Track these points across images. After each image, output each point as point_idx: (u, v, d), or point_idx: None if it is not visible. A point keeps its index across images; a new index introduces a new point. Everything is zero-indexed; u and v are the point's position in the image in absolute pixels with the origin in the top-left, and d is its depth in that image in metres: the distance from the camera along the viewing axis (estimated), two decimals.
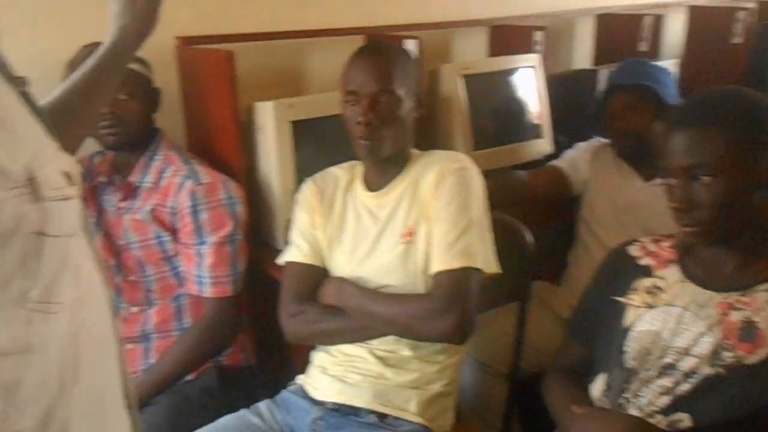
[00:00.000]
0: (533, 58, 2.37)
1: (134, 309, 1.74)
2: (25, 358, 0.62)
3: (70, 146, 0.94)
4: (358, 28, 2.26)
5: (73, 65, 1.66)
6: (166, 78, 1.89)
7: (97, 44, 1.65)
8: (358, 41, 2.21)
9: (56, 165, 0.65)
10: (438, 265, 1.40)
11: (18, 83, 0.68)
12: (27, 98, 0.69)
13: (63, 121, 0.97)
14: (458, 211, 1.41)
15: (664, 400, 1.19)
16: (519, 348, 1.70)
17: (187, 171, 1.69)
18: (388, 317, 1.42)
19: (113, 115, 1.63)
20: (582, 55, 3.08)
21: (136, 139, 1.70)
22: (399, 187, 1.51)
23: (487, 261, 1.43)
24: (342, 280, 1.50)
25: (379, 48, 1.51)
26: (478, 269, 1.40)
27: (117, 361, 0.78)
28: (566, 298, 2.02)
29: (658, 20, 2.76)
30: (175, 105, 1.95)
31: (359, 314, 1.45)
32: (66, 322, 0.66)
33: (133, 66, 1.65)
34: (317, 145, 1.88)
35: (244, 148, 1.85)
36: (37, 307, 0.62)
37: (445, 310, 1.36)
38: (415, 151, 1.55)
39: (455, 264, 1.38)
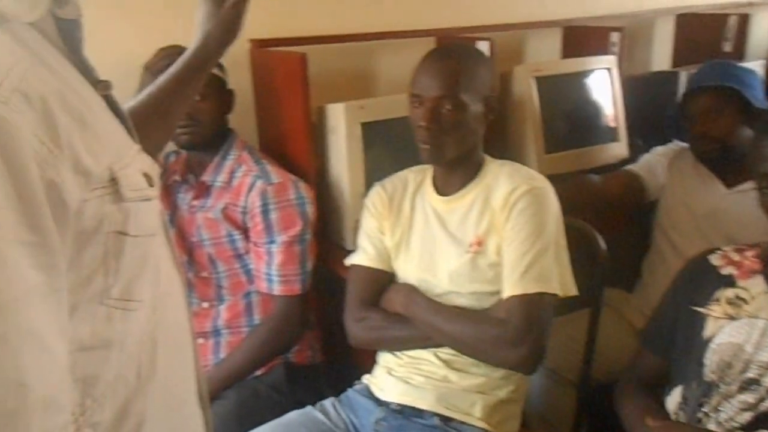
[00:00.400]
0: (609, 60, 2.31)
1: (205, 304, 1.78)
2: (104, 354, 0.63)
3: (153, 149, 0.96)
4: (429, 30, 2.26)
5: (149, 68, 1.72)
6: (240, 79, 1.93)
7: (173, 47, 1.72)
8: (429, 43, 2.21)
9: (137, 166, 0.66)
10: (511, 289, 1.38)
11: (102, 87, 0.69)
12: (110, 102, 0.71)
13: (147, 124, 1.00)
14: (533, 233, 1.38)
15: (746, 417, 1.13)
16: (590, 356, 1.65)
17: (258, 171, 1.72)
18: (457, 336, 1.41)
19: (188, 116, 1.67)
20: (661, 56, 2.98)
21: (209, 139, 1.73)
22: (470, 194, 1.49)
23: (564, 284, 1.40)
24: (411, 290, 1.49)
25: (448, 52, 1.49)
26: (553, 294, 1.37)
27: (192, 357, 0.79)
28: (640, 306, 1.96)
29: (744, 20, 2.65)
30: (247, 106, 1.99)
31: (426, 327, 1.44)
32: (145, 319, 0.67)
33: (225, 80, 1.72)
34: (387, 146, 1.88)
35: (314, 149, 1.87)
36: (117, 304, 0.63)
37: (518, 339, 1.33)
38: (488, 158, 1.53)
39: (529, 289, 1.36)
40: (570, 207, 1.50)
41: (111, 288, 0.62)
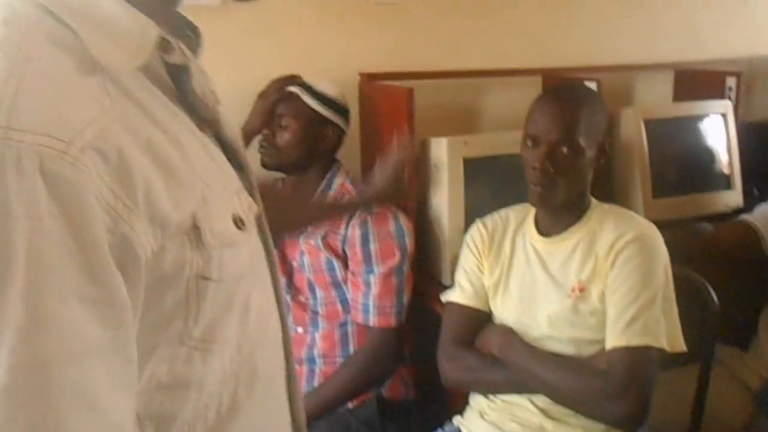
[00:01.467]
0: (724, 105, 2.22)
1: (299, 330, 1.80)
2: (182, 393, 0.61)
3: None
4: (536, 69, 2.24)
5: (264, 96, 1.79)
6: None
7: (288, 77, 1.78)
8: (536, 82, 2.19)
9: (228, 209, 0.65)
10: (615, 340, 1.32)
11: (210, 126, 0.70)
12: (219, 137, 0.70)
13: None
14: (639, 282, 1.33)
15: None
16: (698, 417, 1.56)
17: None
18: (555, 385, 1.36)
19: (267, 138, 1.75)
20: None
21: (292, 164, 1.77)
22: (574, 237, 1.45)
23: (672, 338, 1.33)
24: (508, 332, 1.46)
25: (567, 93, 1.47)
26: (660, 348, 1.31)
27: (284, 390, 0.76)
28: (755, 366, 1.84)
29: None
30: (354, 136, 2.02)
31: (522, 372, 1.40)
32: (228, 359, 0.65)
33: (311, 101, 1.75)
34: (489, 183, 1.86)
35: (416, 182, 1.88)
36: (198, 345, 0.61)
37: (620, 394, 1.28)
38: (593, 200, 1.49)
39: (634, 342, 1.30)
40: (679, 256, 1.45)
41: (192, 330, 0.60)
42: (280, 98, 1.77)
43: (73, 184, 0.48)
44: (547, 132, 1.39)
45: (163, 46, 0.61)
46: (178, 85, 0.66)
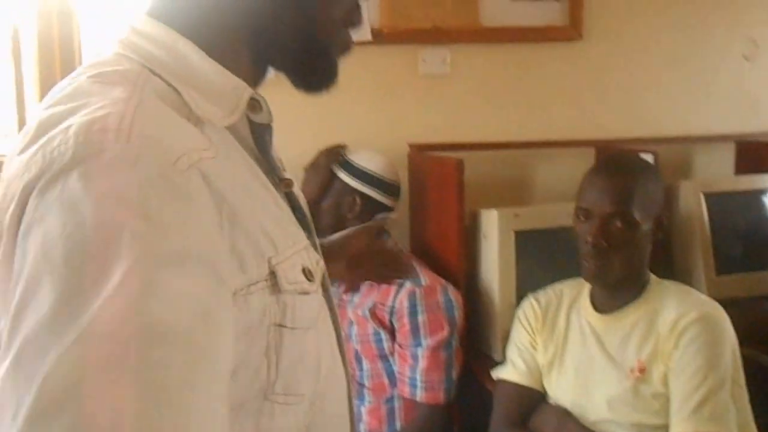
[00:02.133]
0: None
1: None
2: None
3: None
4: (589, 141, 2.22)
5: (313, 168, 1.80)
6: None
7: (334, 147, 1.80)
8: (588, 154, 2.16)
9: (299, 262, 0.67)
10: (681, 426, 1.25)
11: (284, 185, 0.73)
12: (291, 198, 0.74)
13: None
14: (705, 365, 1.27)
15: None
16: None
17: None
18: None
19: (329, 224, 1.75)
20: None
21: (323, 230, 1.77)
22: (633, 315, 1.39)
23: (742, 426, 1.26)
24: (564, 414, 1.39)
25: (620, 165, 1.44)
26: None
27: None
28: None
29: None
30: (402, 206, 2.02)
31: None
32: (302, 414, 0.67)
33: (352, 181, 1.77)
34: (540, 257, 1.83)
35: (466, 253, 1.85)
36: (279, 399, 0.63)
37: None
38: (653, 276, 1.44)
39: (702, 429, 1.23)
40: (748, 338, 1.37)
41: (274, 383, 0.63)
42: (333, 167, 1.79)
43: (182, 188, 0.53)
44: (599, 205, 1.36)
45: (252, 105, 0.67)
46: (258, 143, 0.70)
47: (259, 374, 0.61)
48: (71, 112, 0.54)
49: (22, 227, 0.51)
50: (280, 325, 0.63)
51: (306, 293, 0.66)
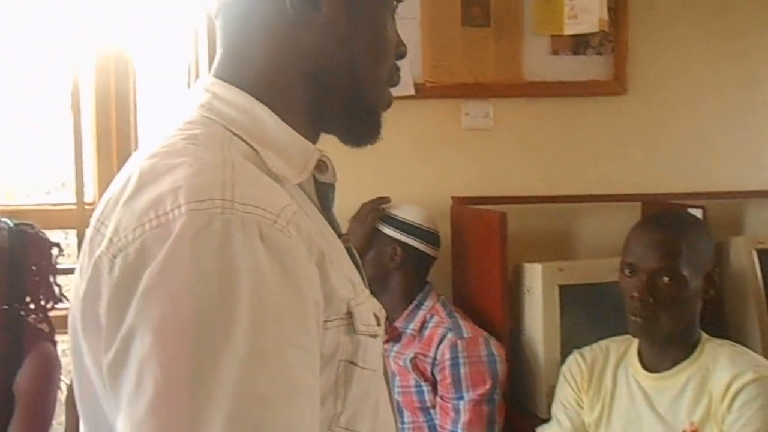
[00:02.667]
0: None
1: None
2: None
3: None
4: (635, 195, 2.18)
5: (356, 220, 1.82)
6: (439, 231, 1.97)
7: (377, 200, 1.81)
8: (635, 208, 2.13)
9: (369, 306, 0.72)
10: None
11: (344, 240, 0.78)
12: (350, 252, 0.78)
13: None
14: (763, 430, 1.24)
15: None
16: None
17: (450, 323, 1.72)
18: None
19: (381, 282, 1.76)
20: None
21: (379, 291, 1.76)
22: (684, 374, 1.35)
23: None
24: None
25: (668, 220, 1.43)
26: None
27: None
28: None
29: None
30: (445, 259, 2.01)
31: None
32: None
33: (393, 232, 1.78)
34: (586, 312, 1.82)
35: (509, 307, 1.83)
36: None
37: None
38: (704, 335, 1.40)
39: None
40: None
41: (340, 415, 0.66)
42: (376, 219, 1.81)
43: (286, 246, 0.59)
44: (645, 260, 1.35)
45: (319, 166, 0.73)
46: (322, 201, 0.76)
47: (327, 404, 0.65)
48: (171, 169, 0.61)
49: (143, 285, 0.56)
50: (352, 363, 0.67)
51: (375, 336, 0.71)
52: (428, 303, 1.78)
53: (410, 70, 2.02)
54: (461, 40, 2.07)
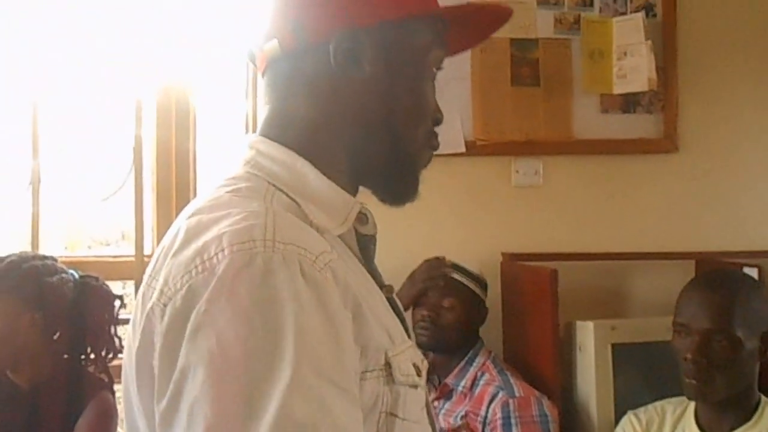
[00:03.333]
0: None
1: None
2: None
3: None
4: (688, 253, 2.15)
5: (413, 277, 1.84)
6: (490, 289, 1.97)
7: (436, 260, 1.83)
8: (688, 266, 2.10)
9: (409, 357, 0.72)
10: None
11: (386, 290, 0.79)
12: (392, 302, 0.79)
13: None
14: None
15: None
16: None
17: (501, 382, 1.71)
18: None
19: (429, 318, 1.76)
20: None
21: (450, 344, 1.78)
22: None
23: None
24: None
25: (720, 279, 1.41)
26: None
27: None
28: None
29: None
30: (495, 315, 2.01)
31: None
32: None
33: (466, 281, 1.79)
34: (640, 372, 1.80)
35: (560, 366, 1.81)
36: None
37: None
38: (764, 398, 1.37)
39: None
40: None
41: None
42: (431, 282, 1.82)
43: (324, 285, 0.61)
44: (698, 320, 1.33)
45: (360, 218, 0.75)
46: (363, 252, 0.77)
47: None
48: (216, 221, 0.64)
49: (191, 327, 0.59)
50: (392, 414, 0.67)
51: (415, 387, 0.71)
52: (479, 360, 1.78)
53: (461, 128, 2.06)
54: (511, 98, 2.12)
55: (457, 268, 1.83)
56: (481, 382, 1.73)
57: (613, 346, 1.78)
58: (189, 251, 0.62)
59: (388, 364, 0.67)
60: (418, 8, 0.77)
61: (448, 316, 1.77)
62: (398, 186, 0.79)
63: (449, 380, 1.77)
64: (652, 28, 2.14)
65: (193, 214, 0.68)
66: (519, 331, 1.99)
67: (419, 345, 1.78)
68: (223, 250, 0.60)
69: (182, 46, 2.10)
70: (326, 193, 0.72)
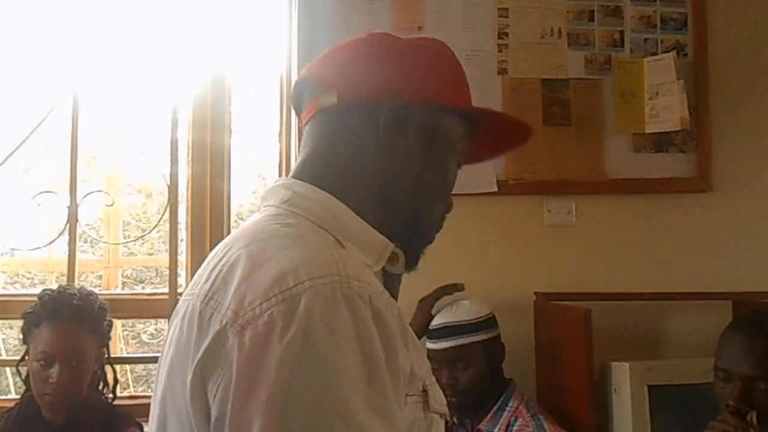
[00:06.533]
0: None
1: None
2: None
3: None
4: (724, 293, 2.12)
5: (425, 301, 1.84)
6: (523, 328, 1.97)
7: (451, 286, 1.81)
8: (725, 307, 2.07)
9: (438, 388, 0.77)
10: None
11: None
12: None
13: None
14: None
15: None
16: None
17: (534, 427, 1.68)
18: None
19: (450, 387, 1.71)
20: None
21: (479, 396, 1.75)
22: None
23: None
24: None
25: (762, 323, 1.38)
26: None
27: None
28: None
29: None
30: (528, 355, 2.00)
31: None
32: None
33: (466, 338, 1.75)
34: (677, 414, 1.76)
35: (596, 409, 1.78)
36: None
37: None
38: None
39: None
40: None
41: None
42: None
43: (388, 322, 0.67)
44: (740, 366, 1.31)
45: (392, 258, 0.80)
46: (389, 289, 0.78)
47: None
48: (284, 250, 0.69)
49: (277, 356, 0.61)
50: None
51: (443, 416, 0.76)
52: (512, 404, 1.74)
53: (493, 167, 2.07)
54: (543, 138, 2.12)
55: (456, 328, 1.76)
56: (515, 428, 1.69)
57: (650, 387, 1.75)
58: (265, 278, 0.66)
59: (425, 392, 0.72)
60: (461, 102, 0.86)
61: (466, 377, 1.73)
62: (407, 251, 0.82)
63: (482, 426, 1.73)
64: (684, 67, 2.15)
65: (251, 243, 0.72)
66: (553, 372, 1.96)
67: (453, 409, 1.76)
68: (302, 282, 0.64)
69: (219, 87, 2.15)
70: (363, 233, 0.77)
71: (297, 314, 0.62)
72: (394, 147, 0.80)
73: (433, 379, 0.76)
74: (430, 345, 1.77)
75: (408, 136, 0.80)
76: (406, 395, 0.69)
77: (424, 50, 0.86)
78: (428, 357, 1.76)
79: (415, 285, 1.94)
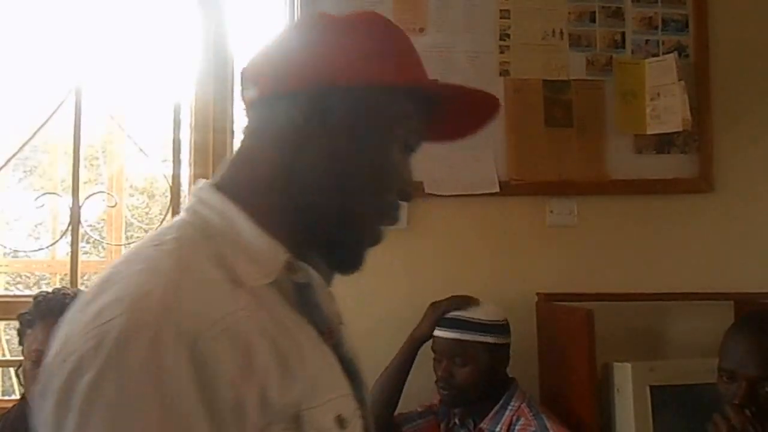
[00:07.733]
0: None
1: None
2: None
3: None
4: (726, 294, 2.12)
5: (436, 306, 1.80)
6: (525, 330, 1.96)
7: (464, 299, 1.82)
8: (727, 307, 2.07)
9: (333, 409, 0.71)
10: None
11: (327, 337, 0.76)
12: (338, 350, 0.78)
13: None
14: None
15: None
16: None
17: (536, 426, 1.68)
18: None
19: (444, 379, 1.72)
20: None
21: (476, 396, 1.74)
22: None
23: None
24: None
25: (765, 323, 1.38)
26: None
27: None
28: None
29: None
30: (531, 355, 2.00)
31: None
32: None
33: (474, 336, 1.74)
34: (679, 414, 1.76)
35: (598, 408, 1.78)
36: None
37: None
38: None
39: None
40: None
41: None
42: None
43: (208, 355, 0.61)
44: (744, 367, 1.31)
45: (290, 267, 0.73)
46: (303, 299, 0.75)
47: None
48: (124, 278, 0.65)
49: (78, 397, 0.59)
50: None
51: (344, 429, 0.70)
52: (514, 403, 1.74)
53: (495, 168, 2.08)
54: (545, 139, 2.13)
55: (465, 323, 1.76)
56: (517, 427, 1.69)
57: (652, 388, 1.75)
58: (90, 311, 0.63)
59: (297, 416, 0.66)
60: (401, 78, 0.77)
61: (462, 374, 1.72)
62: (341, 253, 0.77)
63: (484, 425, 1.73)
64: (685, 68, 2.15)
65: (113, 266, 0.69)
66: (555, 372, 1.97)
67: (445, 404, 1.77)
68: (112, 319, 0.61)
69: (221, 88, 2.16)
70: (257, 243, 0.71)
71: (100, 355, 0.59)
72: (316, 138, 0.73)
73: (328, 396, 0.71)
74: (438, 332, 1.78)
75: (330, 123, 0.73)
76: (268, 425, 0.64)
77: (352, 28, 0.77)
78: (433, 345, 1.79)
79: (416, 285, 1.96)
